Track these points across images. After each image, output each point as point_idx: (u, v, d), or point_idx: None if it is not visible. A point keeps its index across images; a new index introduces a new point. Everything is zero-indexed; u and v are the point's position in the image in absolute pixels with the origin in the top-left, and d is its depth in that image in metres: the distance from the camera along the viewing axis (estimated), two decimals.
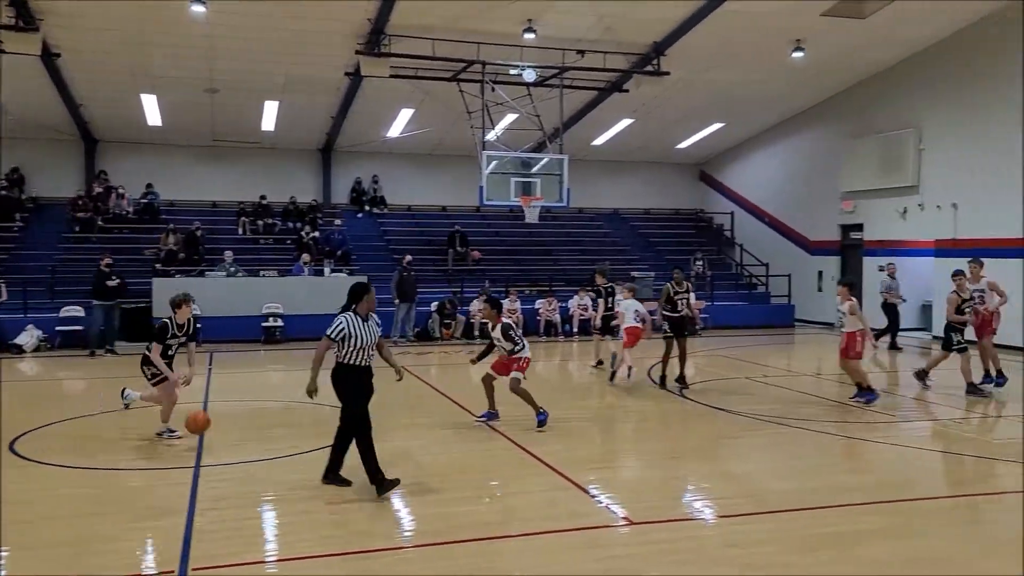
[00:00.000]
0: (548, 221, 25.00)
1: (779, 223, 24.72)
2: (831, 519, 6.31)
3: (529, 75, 17.24)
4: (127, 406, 10.34)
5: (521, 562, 5.55)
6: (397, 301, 18.55)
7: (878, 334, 16.32)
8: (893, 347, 17.24)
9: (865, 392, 10.97)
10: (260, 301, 18.65)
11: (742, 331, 20.80)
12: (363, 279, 13.07)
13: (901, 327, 17.90)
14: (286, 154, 24.69)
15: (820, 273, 22.82)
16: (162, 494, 6.95)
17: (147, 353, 8.88)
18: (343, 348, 6.78)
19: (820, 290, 22.67)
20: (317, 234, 22.00)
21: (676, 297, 12.58)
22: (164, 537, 5.80)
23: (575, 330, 19.87)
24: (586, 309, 20.01)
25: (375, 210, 24.96)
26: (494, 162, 17.64)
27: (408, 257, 19.39)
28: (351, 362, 6.80)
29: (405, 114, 21.78)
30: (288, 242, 22.43)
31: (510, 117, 20.11)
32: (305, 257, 20.10)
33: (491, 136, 18.40)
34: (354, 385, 6.81)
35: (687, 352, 12.68)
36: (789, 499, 6.78)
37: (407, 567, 5.39)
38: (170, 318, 8.90)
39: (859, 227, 21.55)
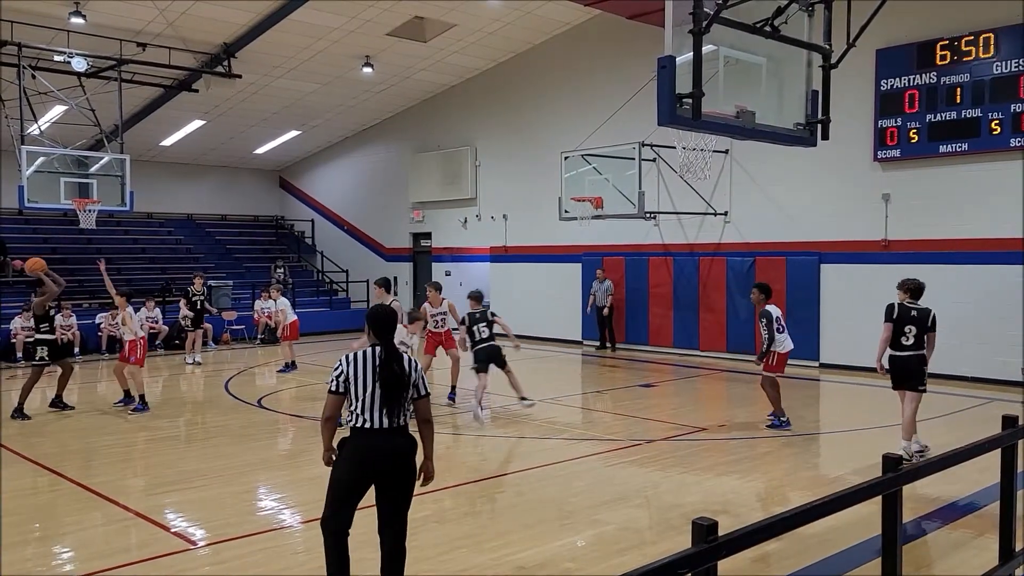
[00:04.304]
0: (110, 227, 22.86)
1: (357, 230, 25.59)
2: None
3: (79, 64, 15.46)
4: None
5: None
6: None
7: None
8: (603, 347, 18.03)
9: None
10: None
11: (326, 336, 21.12)
12: None
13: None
14: None
15: (395, 279, 24.11)
16: None
17: None
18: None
19: (396, 295, 23.97)
20: None
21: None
22: None
23: None
24: (157, 322, 18.64)
25: None
26: (40, 159, 15.60)
27: None
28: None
29: None
30: None
31: (58, 109, 17.93)
32: None
33: (34, 130, 16.14)
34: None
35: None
36: None
37: None
38: None
39: (428, 235, 23.27)
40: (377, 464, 4.51)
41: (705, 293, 16.80)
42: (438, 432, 9.82)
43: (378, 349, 4.60)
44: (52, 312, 11.48)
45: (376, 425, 4.50)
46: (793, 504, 3.72)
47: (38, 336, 11.09)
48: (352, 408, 4.57)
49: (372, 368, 4.52)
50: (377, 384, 4.50)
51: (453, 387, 11.69)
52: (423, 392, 4.66)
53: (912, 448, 8.31)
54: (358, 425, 4.53)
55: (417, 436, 4.70)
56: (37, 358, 10.96)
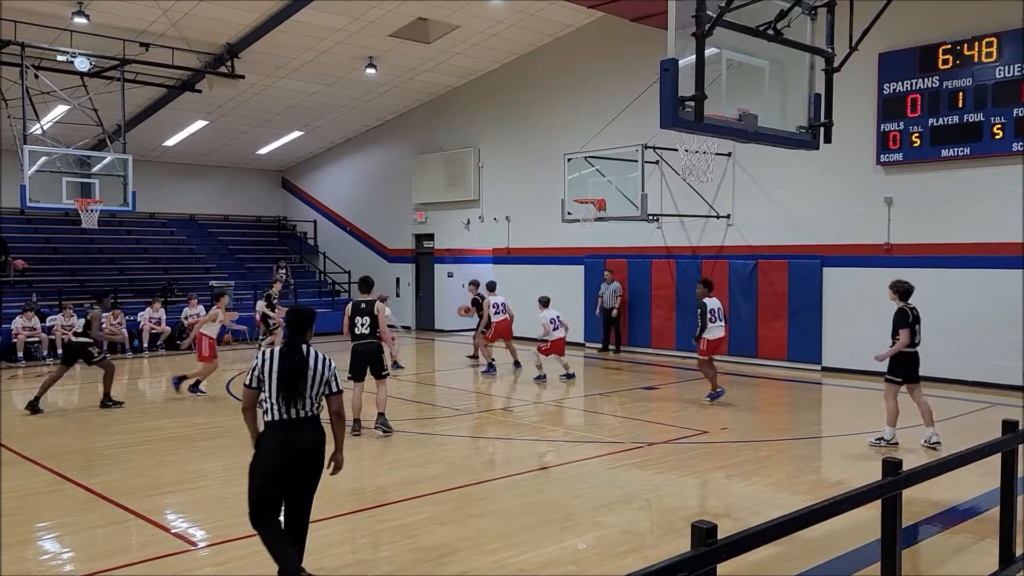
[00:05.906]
0: (113, 227, 22.89)
1: (360, 231, 25.60)
2: (395, 513, 6.73)
3: (82, 63, 15.48)
4: None
5: None
6: None
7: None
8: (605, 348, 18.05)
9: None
10: None
11: (327, 338, 21.07)
12: None
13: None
14: None
15: (398, 280, 24.14)
16: None
17: None
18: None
19: (398, 296, 23.99)
20: None
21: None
22: None
23: (145, 345, 18.37)
24: (160, 322, 18.70)
25: None
26: (42, 159, 15.62)
27: None
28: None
29: None
30: None
31: (61, 109, 17.96)
32: None
33: (36, 129, 16.17)
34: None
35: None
36: (360, 499, 7.07)
37: None
38: None
39: (431, 236, 23.27)
40: (287, 452, 4.75)
41: None
42: (444, 434, 9.87)
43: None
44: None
45: (282, 416, 4.77)
46: (794, 508, 3.72)
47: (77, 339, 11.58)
48: (264, 402, 4.83)
49: (277, 362, 4.81)
50: (277, 377, 4.77)
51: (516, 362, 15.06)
52: (335, 389, 4.98)
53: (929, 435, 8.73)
54: (268, 418, 4.80)
55: (329, 429, 5.01)
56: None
